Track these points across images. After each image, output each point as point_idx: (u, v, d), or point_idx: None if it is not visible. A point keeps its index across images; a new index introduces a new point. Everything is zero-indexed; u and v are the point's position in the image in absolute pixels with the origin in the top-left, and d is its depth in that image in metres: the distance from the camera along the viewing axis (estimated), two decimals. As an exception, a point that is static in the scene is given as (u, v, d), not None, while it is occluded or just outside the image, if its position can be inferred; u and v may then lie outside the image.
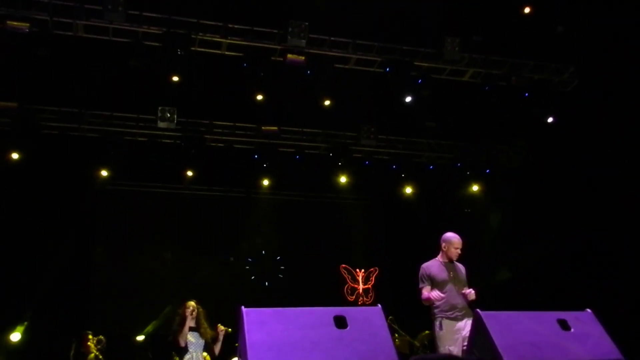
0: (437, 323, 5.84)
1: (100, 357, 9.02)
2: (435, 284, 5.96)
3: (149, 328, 10.90)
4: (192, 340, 7.07)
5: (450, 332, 5.75)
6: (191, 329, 7.12)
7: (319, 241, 13.02)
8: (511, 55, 9.61)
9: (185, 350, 7.00)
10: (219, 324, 7.27)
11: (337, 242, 13.17)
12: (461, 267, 6.16)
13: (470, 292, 5.85)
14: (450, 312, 5.81)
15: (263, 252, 13.34)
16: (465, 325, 5.70)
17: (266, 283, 13.13)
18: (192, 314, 7.12)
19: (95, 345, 9.15)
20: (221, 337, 7.23)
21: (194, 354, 7.00)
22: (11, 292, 10.29)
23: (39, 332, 10.27)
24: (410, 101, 9.56)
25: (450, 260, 6.07)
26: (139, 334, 10.58)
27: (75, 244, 11.15)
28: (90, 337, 9.03)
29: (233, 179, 12.15)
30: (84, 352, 8.90)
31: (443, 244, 6.10)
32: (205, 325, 7.21)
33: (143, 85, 9.28)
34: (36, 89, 9.59)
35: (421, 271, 6.08)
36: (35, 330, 10.30)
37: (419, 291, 6.06)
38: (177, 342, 7.05)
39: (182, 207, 12.41)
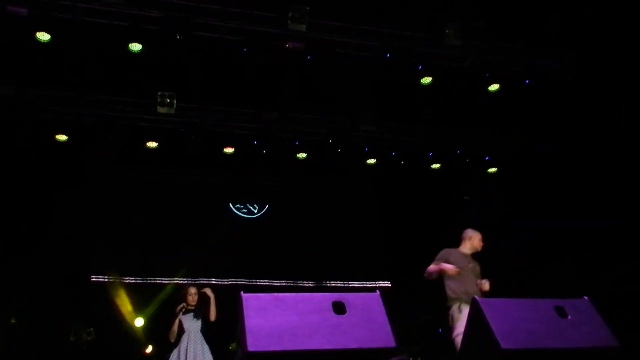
0: (456, 307, 6.07)
1: (84, 348, 9.04)
2: None
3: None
4: (186, 324, 6.99)
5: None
6: (186, 312, 7.06)
7: (316, 230, 13.06)
8: (512, 41, 9.55)
9: (181, 332, 6.94)
10: (204, 289, 7.11)
11: (334, 230, 13.18)
12: (477, 263, 6.44)
13: (485, 283, 6.16)
14: (467, 298, 5.87)
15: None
16: None
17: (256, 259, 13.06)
18: (190, 303, 7.08)
19: (86, 337, 9.17)
20: (211, 298, 7.00)
21: (192, 336, 6.90)
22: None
23: (36, 317, 10.27)
24: (411, 87, 9.55)
25: (472, 253, 6.44)
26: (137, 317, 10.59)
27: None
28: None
29: (232, 164, 12.13)
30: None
31: (470, 234, 6.50)
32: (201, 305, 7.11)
33: (142, 70, 9.23)
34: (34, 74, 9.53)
35: (440, 253, 6.35)
36: (33, 316, 10.30)
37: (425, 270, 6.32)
38: (168, 339, 7.03)
39: (179, 192, 12.41)
